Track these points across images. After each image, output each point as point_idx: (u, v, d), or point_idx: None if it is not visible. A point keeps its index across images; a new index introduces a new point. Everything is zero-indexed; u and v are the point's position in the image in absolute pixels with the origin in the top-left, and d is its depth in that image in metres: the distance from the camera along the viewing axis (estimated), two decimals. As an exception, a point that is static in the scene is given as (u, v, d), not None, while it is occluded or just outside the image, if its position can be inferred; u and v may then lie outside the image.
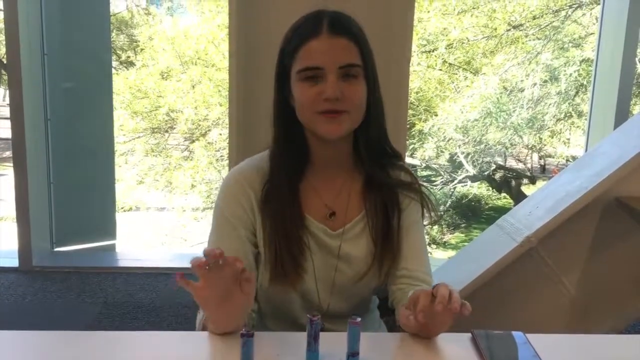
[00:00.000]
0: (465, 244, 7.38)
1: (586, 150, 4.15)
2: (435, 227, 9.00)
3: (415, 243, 1.25)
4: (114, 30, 9.42)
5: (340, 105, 1.12)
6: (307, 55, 1.12)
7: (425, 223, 1.30)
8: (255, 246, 1.22)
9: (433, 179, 9.04)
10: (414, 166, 8.48)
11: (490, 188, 9.51)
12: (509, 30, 7.80)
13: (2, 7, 3.53)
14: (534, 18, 7.78)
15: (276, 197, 1.20)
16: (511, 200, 9.13)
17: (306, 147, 1.22)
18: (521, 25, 7.80)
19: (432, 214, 1.29)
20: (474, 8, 7.72)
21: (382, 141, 1.25)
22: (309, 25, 1.14)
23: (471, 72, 8.05)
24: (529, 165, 9.27)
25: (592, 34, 7.34)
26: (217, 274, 0.95)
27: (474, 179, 8.77)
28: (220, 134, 7.87)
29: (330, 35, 1.12)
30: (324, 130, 1.14)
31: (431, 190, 1.35)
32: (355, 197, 1.25)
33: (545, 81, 7.63)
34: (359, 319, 0.94)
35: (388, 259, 1.22)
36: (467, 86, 7.83)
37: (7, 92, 3.73)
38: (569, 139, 8.80)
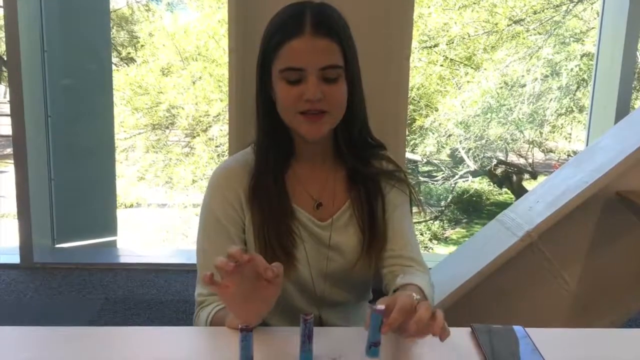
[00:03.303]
0: (467, 239, 7.38)
1: (587, 144, 4.15)
2: (437, 222, 9.01)
3: (400, 224, 1.25)
4: (114, 27, 9.41)
5: (321, 106, 1.13)
6: (289, 55, 1.12)
7: (414, 211, 1.31)
8: (245, 244, 1.23)
9: (434, 174, 9.03)
10: (414, 162, 8.47)
11: (492, 183, 9.51)
12: (510, 25, 7.78)
13: (1, 4, 3.52)
14: (535, 13, 7.76)
15: (264, 190, 1.20)
16: (512, 196, 9.12)
17: (290, 140, 1.23)
18: (522, 20, 7.78)
19: (416, 200, 1.30)
20: (474, 3, 7.70)
21: (364, 135, 1.26)
22: (292, 22, 1.12)
23: (472, 68, 8.03)
24: (529, 160, 9.26)
25: (593, 28, 7.32)
26: (239, 273, 0.96)
27: (475, 174, 8.76)
28: (221, 130, 7.86)
29: (312, 36, 1.11)
30: (304, 131, 1.16)
31: (418, 179, 1.36)
32: (340, 187, 1.26)
33: (547, 76, 7.62)
34: (382, 307, 0.89)
35: (376, 245, 1.23)
36: (468, 81, 7.82)
37: (8, 89, 3.73)
38: (570, 134, 8.79)
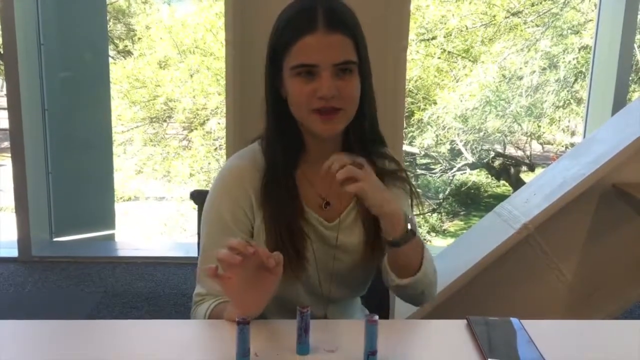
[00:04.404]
0: (465, 231, 7.40)
1: (584, 137, 4.15)
2: (435, 215, 9.01)
3: None
4: (111, 20, 9.36)
5: (335, 103, 1.11)
6: (302, 51, 1.10)
7: (414, 212, 1.30)
8: None
9: (432, 167, 9.03)
10: (413, 154, 8.47)
11: (490, 176, 9.51)
12: (508, 17, 7.76)
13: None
14: (533, 5, 7.74)
15: (275, 190, 1.19)
16: (510, 188, 9.13)
17: (299, 138, 1.21)
18: (520, 12, 7.76)
19: (416, 200, 1.29)
20: (472, -5, 7.69)
21: (373, 132, 1.25)
22: (304, 18, 1.11)
23: (470, 60, 8.02)
24: (527, 153, 9.26)
25: (591, 20, 7.30)
26: (241, 264, 0.96)
27: (473, 166, 8.77)
28: (219, 123, 7.84)
29: (326, 32, 1.09)
30: (319, 129, 1.14)
31: (416, 172, 1.35)
32: None
33: (544, 68, 7.61)
34: (376, 317, 0.92)
35: (379, 243, 1.22)
36: (466, 74, 7.80)
37: (4, 82, 3.73)
38: (567, 126, 8.79)
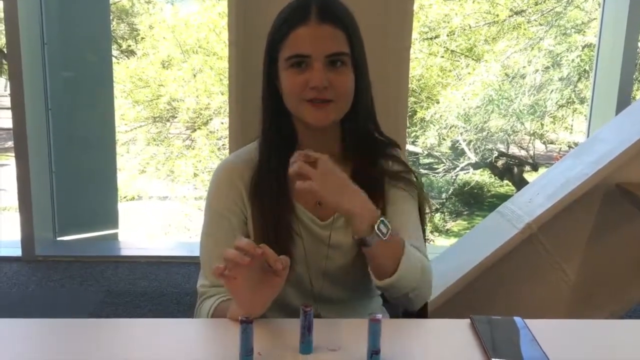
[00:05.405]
0: (468, 231, 7.38)
1: (588, 136, 4.14)
2: (438, 214, 9.01)
3: (400, 219, 1.21)
4: (114, 19, 9.38)
5: (327, 94, 1.12)
6: (294, 42, 1.12)
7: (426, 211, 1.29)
8: (249, 237, 1.22)
9: (435, 166, 9.02)
10: (415, 154, 8.46)
11: (493, 175, 9.50)
12: (511, 16, 7.75)
13: (1, -3, 3.53)
14: (536, 4, 7.73)
15: (265, 186, 1.20)
16: (513, 188, 9.11)
17: (294, 135, 1.22)
18: (523, 11, 7.75)
19: (426, 200, 1.28)
20: (475, -6, 7.68)
21: (372, 130, 1.24)
22: (297, 11, 1.13)
23: (473, 59, 8.01)
24: (531, 152, 9.25)
25: (594, 19, 7.29)
26: (246, 266, 0.97)
27: (476, 166, 8.75)
28: (222, 123, 7.85)
29: (318, 23, 1.11)
30: (310, 118, 1.15)
31: (419, 177, 1.31)
32: None
33: (548, 67, 7.59)
34: (379, 316, 0.92)
35: None
36: (469, 73, 7.79)
37: (8, 82, 3.73)
38: (571, 125, 8.76)
